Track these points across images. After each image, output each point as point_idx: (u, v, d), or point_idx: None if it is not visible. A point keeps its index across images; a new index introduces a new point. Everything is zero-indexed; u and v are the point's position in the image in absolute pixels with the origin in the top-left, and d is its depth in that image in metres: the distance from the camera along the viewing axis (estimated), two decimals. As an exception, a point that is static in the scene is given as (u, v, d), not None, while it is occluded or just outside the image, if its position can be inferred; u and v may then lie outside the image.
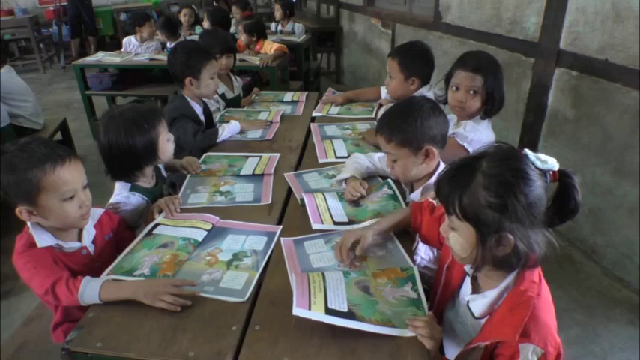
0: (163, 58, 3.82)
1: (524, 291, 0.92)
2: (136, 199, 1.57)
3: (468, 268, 1.06)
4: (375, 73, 5.11)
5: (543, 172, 0.92)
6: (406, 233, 1.36)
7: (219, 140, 2.11)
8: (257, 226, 1.44)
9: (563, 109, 2.55)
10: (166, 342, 1.01)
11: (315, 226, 1.42)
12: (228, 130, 2.14)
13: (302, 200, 1.54)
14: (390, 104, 2.13)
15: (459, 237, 0.96)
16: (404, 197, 1.56)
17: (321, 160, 1.89)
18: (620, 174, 2.26)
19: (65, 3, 7.25)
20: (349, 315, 1.02)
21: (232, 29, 4.94)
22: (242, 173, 1.78)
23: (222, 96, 2.64)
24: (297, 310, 1.00)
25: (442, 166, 1.51)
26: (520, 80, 2.81)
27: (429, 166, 1.48)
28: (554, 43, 2.51)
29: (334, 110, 2.50)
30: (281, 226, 1.43)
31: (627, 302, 2.21)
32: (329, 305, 1.03)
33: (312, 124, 2.27)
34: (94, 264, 1.30)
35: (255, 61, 3.70)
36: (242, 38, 4.00)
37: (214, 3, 6.92)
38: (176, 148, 1.70)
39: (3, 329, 2.05)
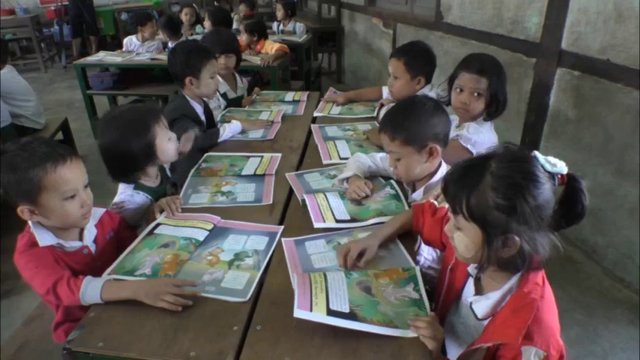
0: (164, 57, 3.80)
1: (527, 293, 0.91)
2: (140, 198, 1.57)
3: (471, 269, 1.06)
4: (376, 73, 5.10)
5: (552, 175, 0.91)
6: (408, 234, 1.36)
7: (220, 140, 2.11)
8: (258, 226, 1.44)
9: (565, 109, 2.55)
10: (168, 342, 1.01)
11: (316, 225, 1.41)
12: (229, 130, 2.14)
13: (303, 201, 1.54)
14: (392, 104, 2.14)
15: (464, 237, 0.96)
16: (406, 197, 1.56)
17: (325, 162, 1.88)
18: (621, 174, 2.25)
19: (66, 2, 7.24)
20: (351, 316, 1.02)
21: (235, 25, 4.95)
22: (243, 173, 1.78)
23: (224, 95, 2.63)
24: (299, 312, 0.99)
25: (444, 166, 1.51)
26: (522, 80, 2.81)
27: (432, 165, 1.48)
28: (556, 43, 2.51)
29: (335, 110, 2.50)
30: (282, 226, 1.43)
31: (628, 302, 2.21)
32: (331, 306, 1.03)
33: (312, 126, 2.26)
34: (95, 263, 1.30)
35: (257, 60, 3.70)
36: (243, 38, 4.00)
37: (215, 2, 6.91)
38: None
39: (4, 329, 2.05)
